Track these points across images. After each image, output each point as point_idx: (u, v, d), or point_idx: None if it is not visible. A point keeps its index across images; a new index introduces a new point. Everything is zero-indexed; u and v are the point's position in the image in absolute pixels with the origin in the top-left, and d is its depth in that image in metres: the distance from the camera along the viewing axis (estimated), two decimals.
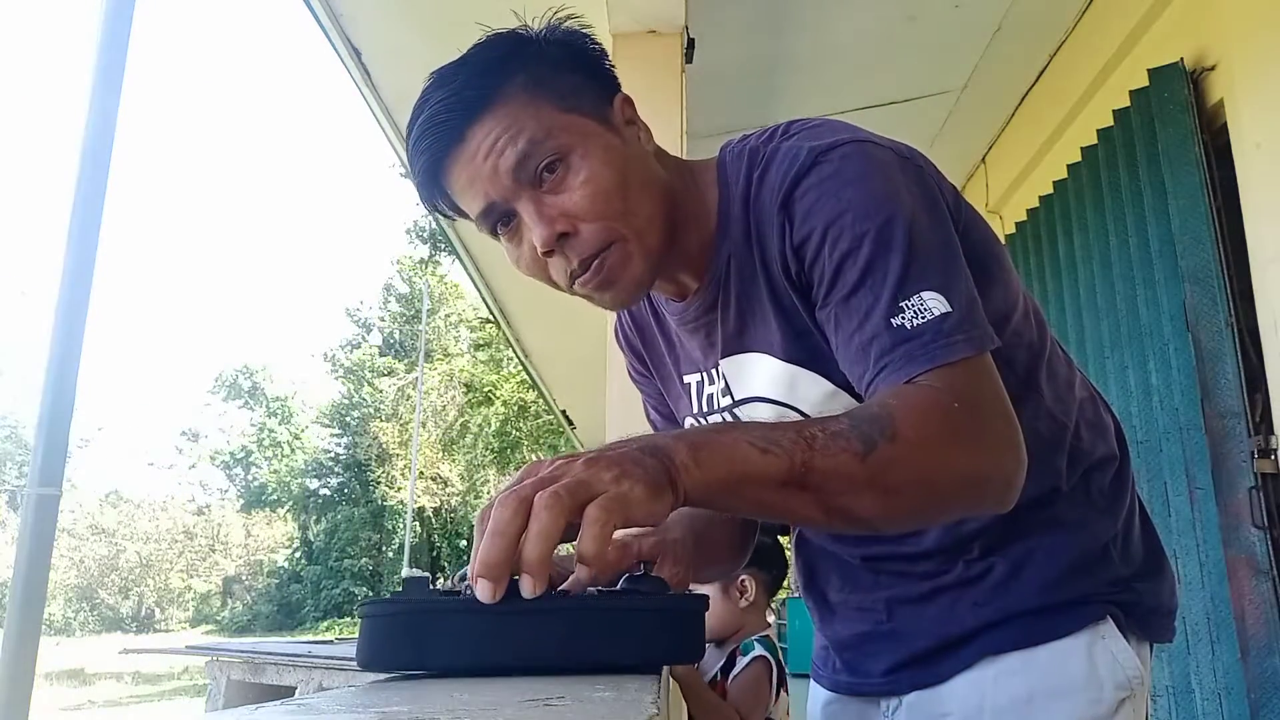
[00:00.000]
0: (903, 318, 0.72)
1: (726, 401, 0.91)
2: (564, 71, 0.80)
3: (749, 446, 0.64)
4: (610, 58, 0.87)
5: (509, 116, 0.77)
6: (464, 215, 0.83)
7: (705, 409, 0.94)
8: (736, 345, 0.88)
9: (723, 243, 0.86)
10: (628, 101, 0.85)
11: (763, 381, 0.86)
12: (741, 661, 1.90)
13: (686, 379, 0.97)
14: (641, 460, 0.61)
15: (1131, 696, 0.84)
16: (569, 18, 0.84)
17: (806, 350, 0.82)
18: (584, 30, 0.84)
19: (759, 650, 1.93)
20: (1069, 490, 0.87)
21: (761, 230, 0.82)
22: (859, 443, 0.66)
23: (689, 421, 0.98)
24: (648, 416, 1.11)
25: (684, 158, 0.96)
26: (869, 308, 0.73)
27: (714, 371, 0.92)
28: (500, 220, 0.80)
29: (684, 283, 0.90)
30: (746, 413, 0.88)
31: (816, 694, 1.05)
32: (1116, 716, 0.83)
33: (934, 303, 0.72)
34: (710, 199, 0.87)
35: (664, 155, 0.88)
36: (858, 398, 0.79)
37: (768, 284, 0.83)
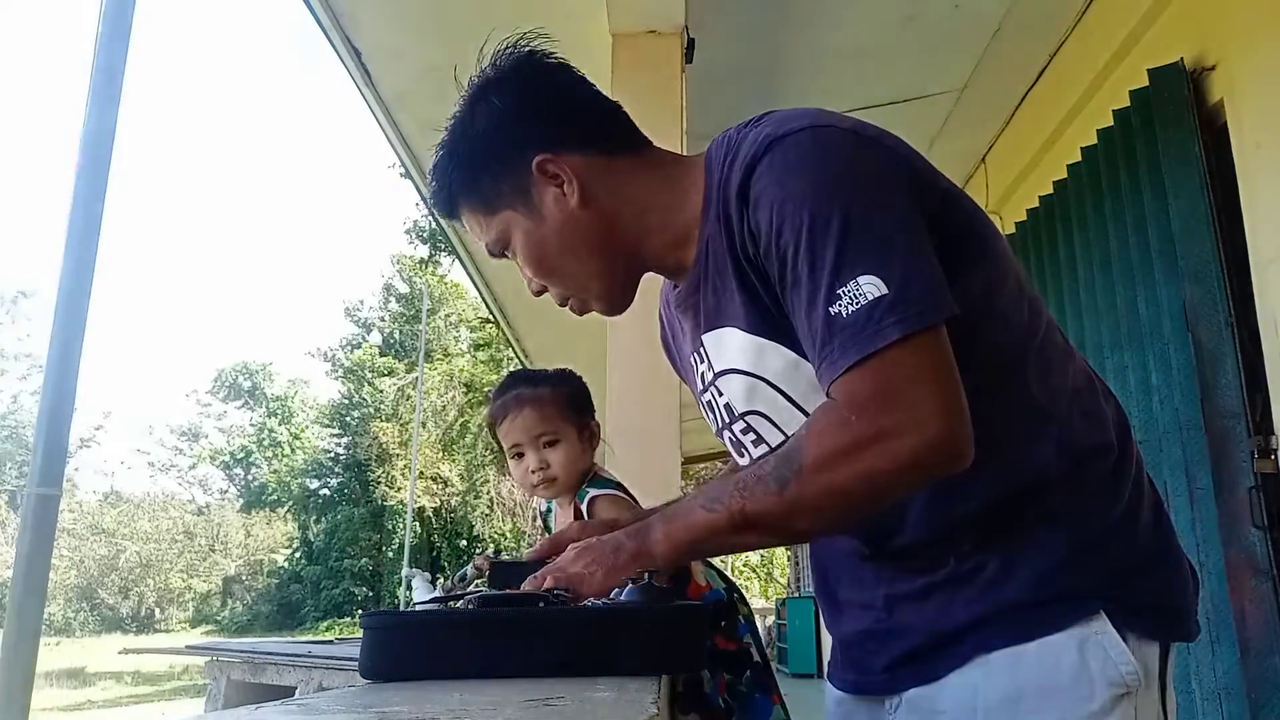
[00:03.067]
0: (839, 305, 0.76)
1: (710, 376, 0.97)
2: (487, 173, 0.96)
3: (701, 510, 0.84)
4: (570, 72, 0.99)
5: (468, 221, 1.01)
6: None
7: (702, 385, 1.01)
8: (714, 320, 0.95)
9: (704, 227, 0.93)
10: (546, 161, 0.94)
11: (734, 353, 0.92)
12: (592, 492, 1.76)
13: (690, 358, 1.04)
14: (618, 549, 0.88)
15: (1129, 694, 0.82)
16: (525, 53, 0.97)
17: (768, 323, 0.88)
18: (530, 66, 0.96)
19: (609, 484, 1.78)
20: (1061, 481, 0.87)
21: (728, 213, 0.88)
22: (775, 484, 0.79)
23: (702, 404, 1.07)
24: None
25: (679, 153, 1.05)
26: (811, 295, 0.79)
27: (701, 350, 0.99)
28: (501, 254, 1.02)
29: (682, 268, 0.98)
30: (724, 385, 0.95)
31: (830, 694, 1.07)
32: (1112, 715, 0.82)
33: (869, 287, 0.76)
34: (697, 188, 0.94)
35: (617, 171, 0.97)
36: None
37: (734, 263, 0.89)
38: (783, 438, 0.90)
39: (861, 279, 0.76)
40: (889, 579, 0.93)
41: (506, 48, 0.96)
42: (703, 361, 0.98)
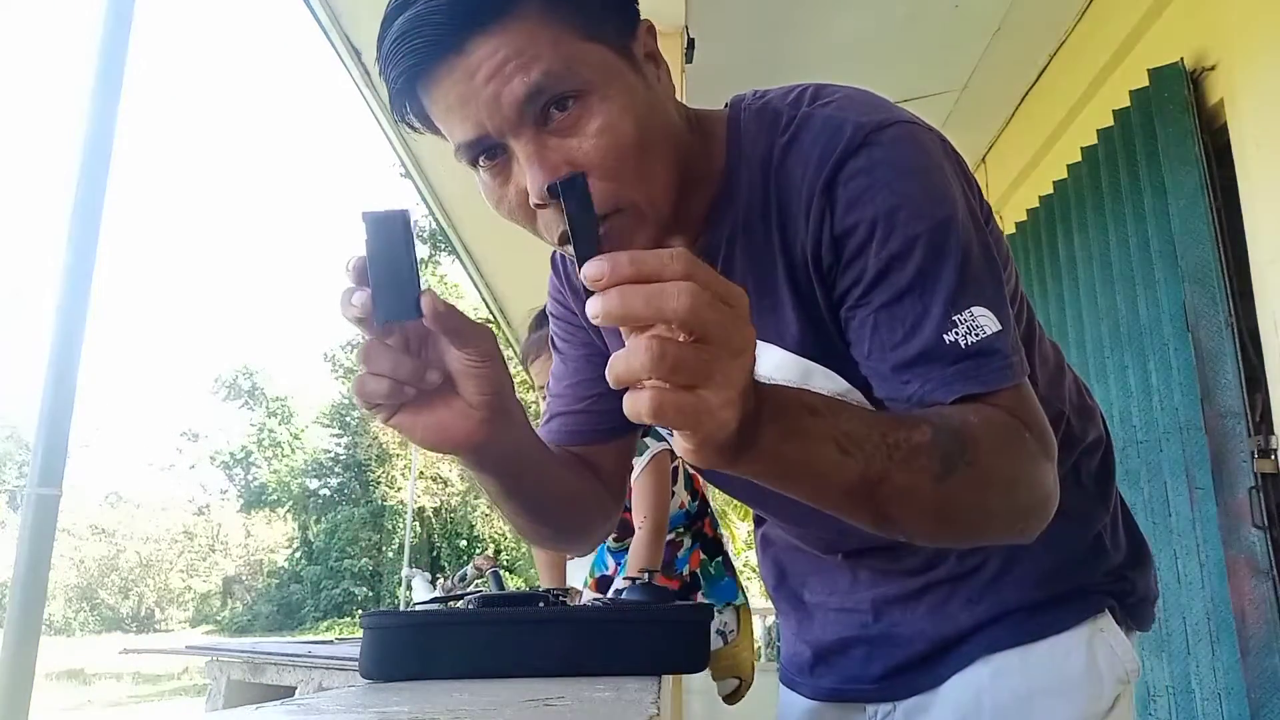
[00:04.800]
0: (956, 334, 0.66)
1: None
2: None
3: (831, 445, 0.57)
4: None
5: (523, 37, 0.63)
6: (435, 131, 0.71)
7: None
8: None
9: (726, 210, 0.76)
10: (651, 31, 0.73)
11: (767, 370, 0.77)
12: (639, 464, 1.80)
13: None
14: (748, 412, 0.52)
15: (1127, 689, 0.83)
16: None
17: (821, 345, 0.75)
18: None
19: (654, 446, 1.83)
20: (1062, 477, 0.86)
21: (787, 208, 0.73)
22: (939, 463, 0.60)
23: None
24: (547, 387, 0.98)
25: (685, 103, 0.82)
26: (918, 318, 0.67)
27: None
28: (486, 153, 0.68)
29: (672, 245, 0.77)
30: None
31: (791, 702, 0.99)
32: (1115, 710, 0.82)
33: (985, 320, 0.67)
34: (717, 155, 0.77)
35: (676, 101, 0.77)
36: (873, 400, 0.74)
37: (788, 268, 0.74)
38: None
39: (977, 310, 0.67)
40: (872, 580, 0.89)
41: None
42: None
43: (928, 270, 0.67)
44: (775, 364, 0.77)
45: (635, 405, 0.49)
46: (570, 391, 0.92)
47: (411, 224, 0.64)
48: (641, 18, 0.72)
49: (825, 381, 0.76)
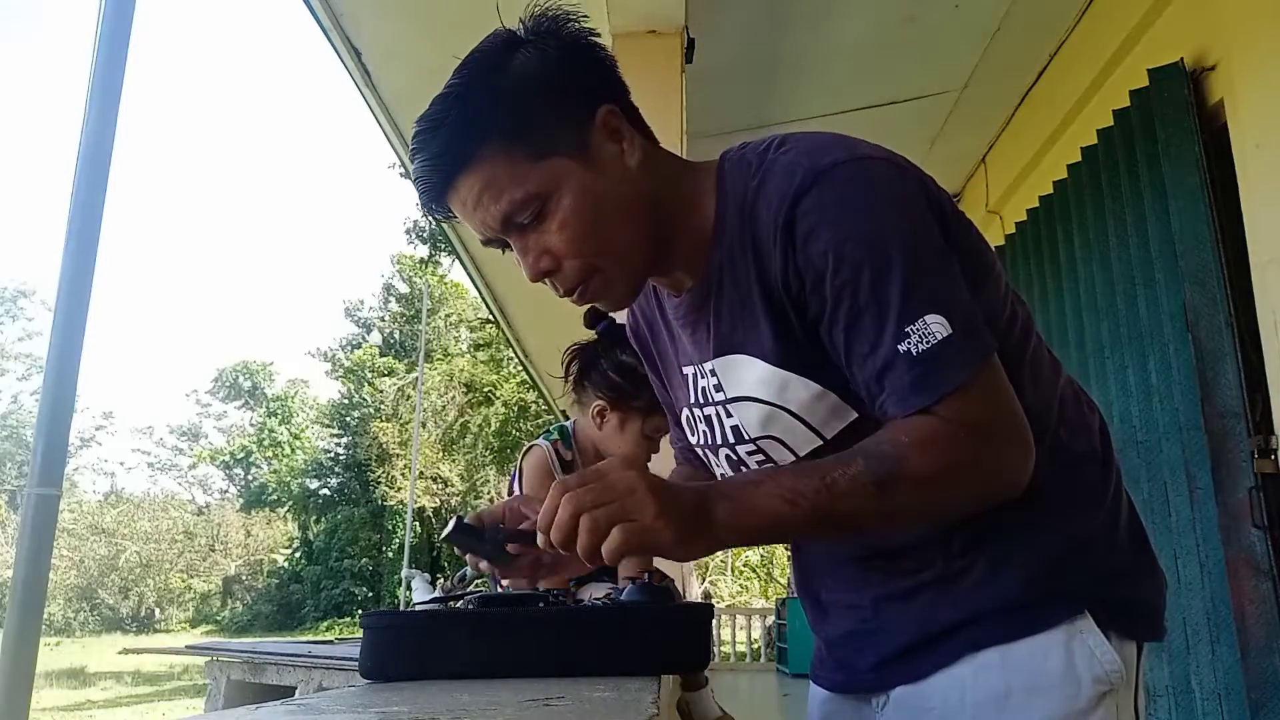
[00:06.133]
0: (908, 343, 0.77)
1: (720, 397, 0.94)
2: (539, 110, 0.84)
3: (779, 501, 0.75)
4: (608, 50, 0.89)
5: (487, 174, 0.83)
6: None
7: (700, 400, 0.98)
8: (727, 346, 0.91)
9: (718, 246, 0.89)
10: (612, 113, 0.87)
11: (752, 383, 0.89)
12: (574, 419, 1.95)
13: (685, 370, 1.01)
14: (683, 508, 0.73)
15: (1112, 691, 0.85)
16: (565, 18, 0.86)
17: (797, 357, 0.86)
18: (575, 30, 0.87)
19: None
20: (1050, 486, 0.88)
21: (759, 243, 0.85)
22: (873, 484, 0.75)
23: (685, 413, 1.02)
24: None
25: (685, 158, 0.99)
26: (876, 335, 0.78)
27: (704, 367, 0.96)
28: (500, 245, 0.89)
29: (680, 279, 0.94)
30: (737, 410, 0.92)
31: (815, 694, 1.07)
32: (1097, 711, 0.84)
33: (937, 326, 0.77)
34: (709, 202, 0.90)
35: (657, 157, 0.91)
36: (847, 399, 0.86)
37: (763, 294, 0.86)
38: (792, 458, 0.90)
39: (929, 318, 0.77)
40: (877, 580, 0.94)
41: (532, 12, 0.86)
42: (705, 378, 0.96)
43: (877, 290, 0.78)
44: (758, 377, 0.89)
45: (604, 558, 0.69)
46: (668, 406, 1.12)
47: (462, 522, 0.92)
48: (602, 107, 0.86)
49: (801, 388, 0.86)
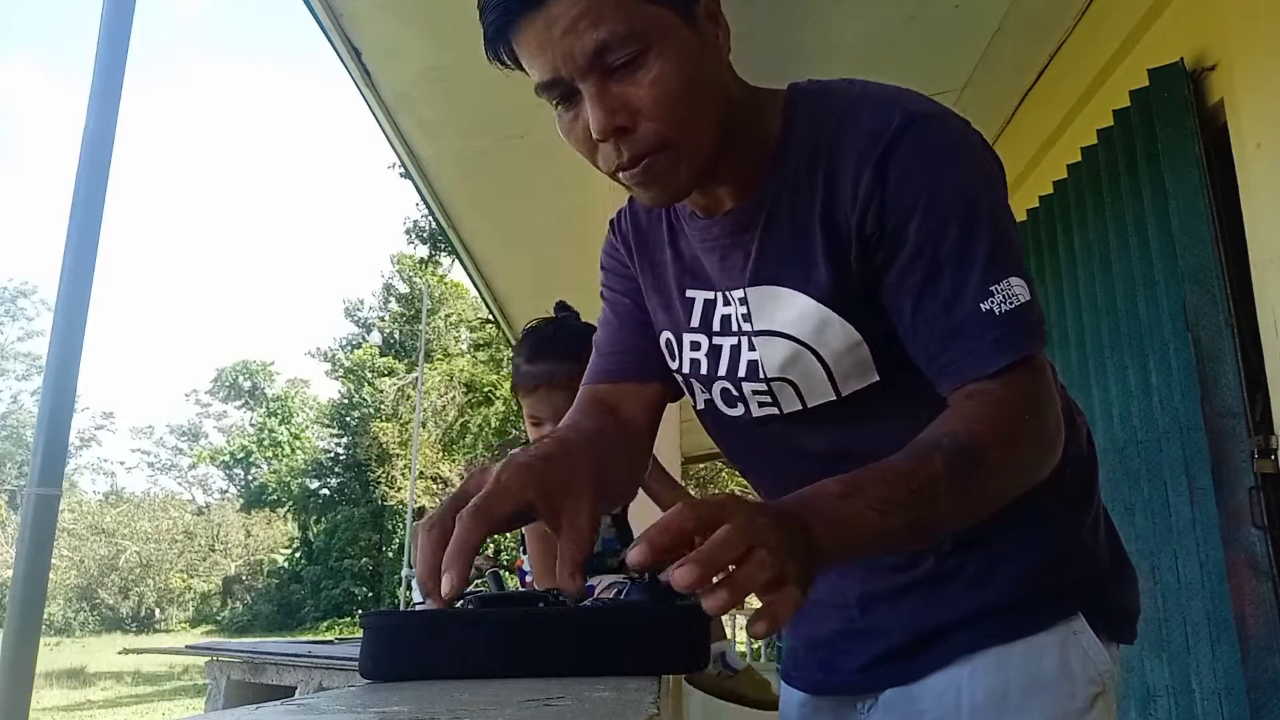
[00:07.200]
0: (992, 302, 0.75)
1: (746, 328, 0.88)
2: None
3: (872, 513, 0.68)
4: None
5: None
6: (521, 69, 0.81)
7: (712, 328, 0.92)
8: (768, 276, 0.86)
9: (777, 172, 0.85)
10: None
11: (789, 318, 0.85)
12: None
13: (690, 294, 0.94)
14: (798, 552, 0.62)
15: (1104, 692, 0.85)
16: None
17: (846, 299, 0.82)
18: None
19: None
20: (1043, 487, 0.87)
21: (834, 176, 0.81)
22: (957, 483, 0.71)
23: (670, 336, 0.95)
24: (598, 344, 1.05)
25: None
26: (956, 288, 0.76)
27: (732, 294, 0.89)
28: (562, 94, 0.78)
29: (719, 197, 0.88)
30: (761, 344, 0.87)
31: (790, 696, 1.04)
32: (1091, 712, 0.84)
33: (1019, 289, 0.76)
34: (773, 125, 0.86)
35: (731, 64, 0.87)
36: (878, 358, 0.82)
37: (827, 228, 0.81)
38: (799, 408, 0.87)
39: (1013, 280, 0.76)
40: (862, 578, 0.92)
41: None
42: (728, 305, 0.89)
43: (966, 243, 0.76)
44: (798, 312, 0.84)
45: (760, 627, 0.60)
46: (611, 336, 1.03)
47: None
48: None
49: (840, 333, 0.83)
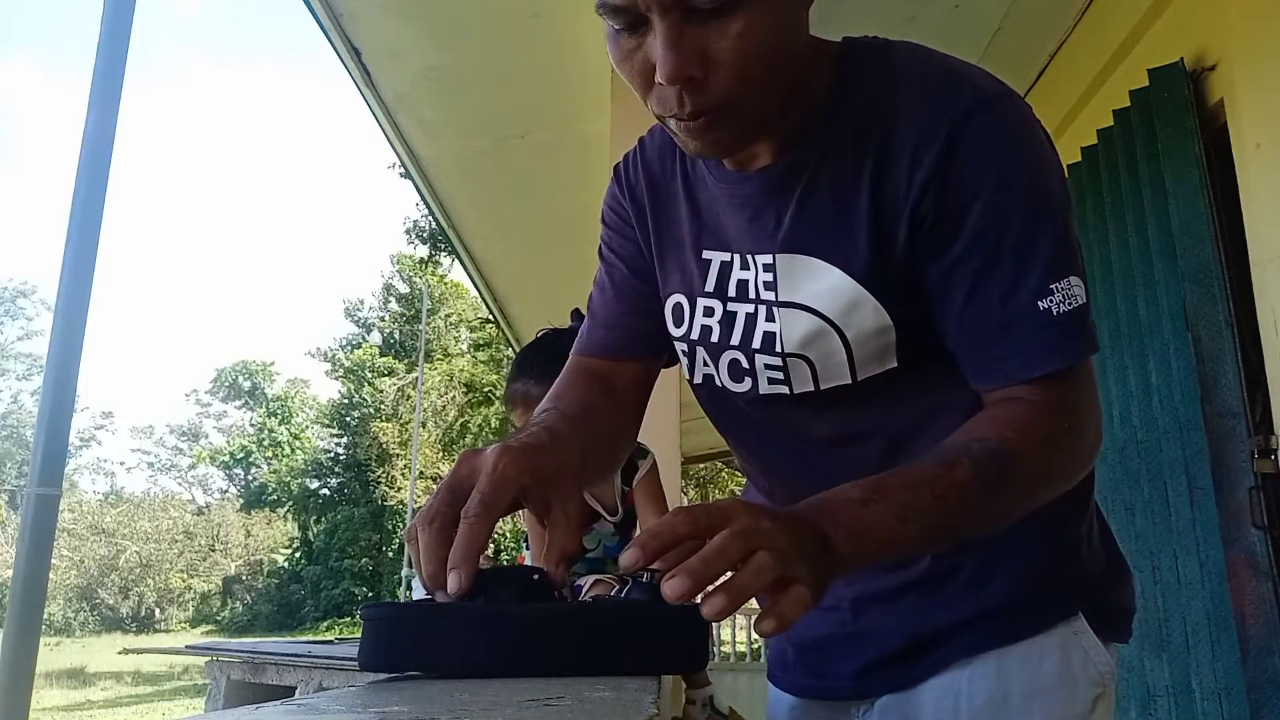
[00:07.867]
0: (1050, 301, 0.71)
1: (768, 296, 0.82)
2: None
3: (893, 520, 0.66)
4: None
5: None
6: None
7: (728, 294, 0.85)
8: (802, 244, 0.80)
9: (823, 133, 0.79)
10: None
11: (818, 292, 0.79)
12: (643, 465, 1.94)
13: (706, 255, 0.87)
14: (810, 555, 0.61)
15: (1104, 694, 0.83)
16: None
17: (884, 279, 0.77)
18: None
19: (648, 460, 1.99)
20: None
21: (890, 147, 0.75)
22: (985, 491, 0.69)
23: (680, 300, 0.89)
24: (589, 300, 1.00)
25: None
26: (1014, 281, 0.72)
27: (756, 259, 0.83)
28: (630, 21, 0.70)
29: (755, 152, 0.81)
30: (784, 316, 0.81)
31: (778, 699, 1.00)
32: (1092, 715, 0.82)
33: (1079, 290, 0.72)
34: (821, 81, 0.80)
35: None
36: (902, 345, 0.78)
37: (874, 200, 0.76)
38: (811, 389, 0.82)
39: (1073, 280, 0.72)
40: (854, 579, 0.88)
41: None
42: (748, 269, 0.83)
43: (1031, 236, 0.72)
44: (829, 287, 0.78)
45: (766, 625, 0.59)
46: (607, 307, 0.97)
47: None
48: None
49: (870, 315, 0.78)
